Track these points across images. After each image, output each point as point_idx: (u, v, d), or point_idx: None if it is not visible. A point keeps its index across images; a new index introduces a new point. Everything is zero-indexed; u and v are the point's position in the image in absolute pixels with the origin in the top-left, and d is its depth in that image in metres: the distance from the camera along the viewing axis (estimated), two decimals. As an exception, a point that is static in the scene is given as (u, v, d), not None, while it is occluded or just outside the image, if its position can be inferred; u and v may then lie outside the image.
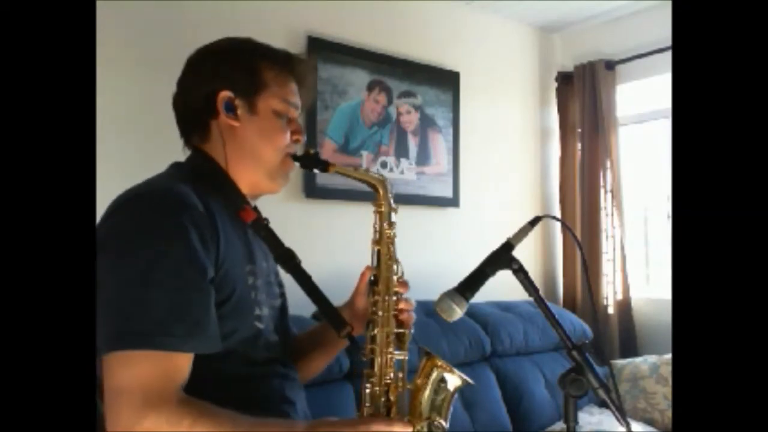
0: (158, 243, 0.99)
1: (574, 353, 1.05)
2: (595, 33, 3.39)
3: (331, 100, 2.62)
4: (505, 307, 2.82)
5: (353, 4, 2.74)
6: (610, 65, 3.24)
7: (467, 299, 1.13)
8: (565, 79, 3.45)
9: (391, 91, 2.82)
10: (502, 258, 1.14)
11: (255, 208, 1.18)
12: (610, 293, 3.19)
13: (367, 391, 1.14)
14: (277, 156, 1.17)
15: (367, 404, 1.13)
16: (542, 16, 3.34)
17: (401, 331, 1.18)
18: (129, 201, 1.05)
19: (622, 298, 3.18)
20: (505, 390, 2.56)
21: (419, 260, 2.64)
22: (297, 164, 1.20)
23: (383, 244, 1.20)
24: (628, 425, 1.03)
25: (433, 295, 1.16)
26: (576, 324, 2.90)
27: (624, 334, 3.16)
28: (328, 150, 2.60)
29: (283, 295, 1.27)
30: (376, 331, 1.16)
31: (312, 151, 1.21)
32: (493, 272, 1.14)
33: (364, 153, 2.72)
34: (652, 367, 2.70)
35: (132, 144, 2.12)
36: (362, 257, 1.23)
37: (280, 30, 2.49)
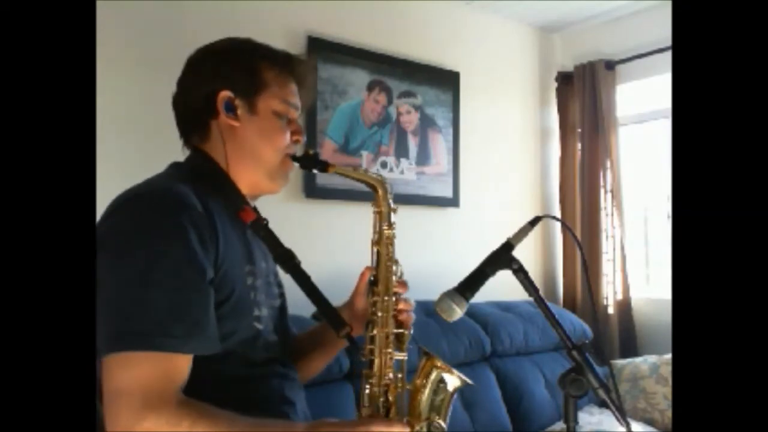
0: (157, 243, 0.99)
1: (574, 353, 1.05)
2: (595, 33, 3.39)
3: (331, 100, 2.62)
4: (505, 307, 2.82)
5: (353, 4, 2.74)
6: (610, 65, 3.24)
7: (467, 299, 1.13)
8: (565, 79, 3.45)
9: (391, 91, 2.82)
10: (502, 258, 1.14)
11: (254, 209, 1.18)
12: (610, 293, 3.19)
13: (366, 391, 1.13)
14: (276, 156, 1.17)
15: (366, 405, 1.13)
16: (542, 16, 3.34)
17: (400, 331, 1.18)
18: (128, 201, 1.05)
19: (622, 298, 3.18)
20: (505, 390, 2.56)
21: (419, 260, 2.65)
22: (296, 164, 1.20)
23: (382, 244, 1.20)
24: (628, 425, 1.03)
25: (433, 295, 1.16)
26: (576, 324, 2.90)
27: (624, 334, 3.16)
28: (328, 150, 2.60)
29: (282, 295, 1.27)
30: (375, 332, 1.16)
31: (311, 152, 1.21)
32: (493, 272, 1.14)
33: (364, 153, 2.72)
34: (652, 367, 2.70)
35: (132, 144, 2.12)
36: (362, 257, 1.23)
37: (279, 30, 2.49)
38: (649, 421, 2.62)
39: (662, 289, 3.24)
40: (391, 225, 1.21)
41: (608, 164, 3.21)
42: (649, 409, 2.64)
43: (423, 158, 2.92)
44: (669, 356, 2.73)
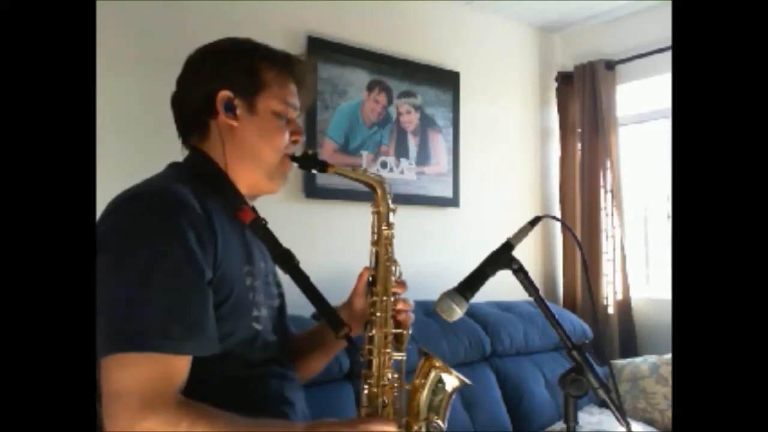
0: (155, 244, 0.98)
1: (574, 353, 1.05)
2: (595, 33, 3.39)
3: (331, 100, 2.62)
4: (505, 307, 2.82)
5: (353, 4, 2.74)
6: (610, 65, 3.24)
7: (467, 299, 1.13)
8: (565, 79, 3.45)
9: (391, 91, 2.82)
10: (502, 258, 1.14)
11: (253, 209, 1.18)
12: (610, 293, 3.19)
13: (365, 391, 1.14)
14: (275, 156, 1.17)
15: (365, 405, 1.13)
16: (542, 16, 3.34)
17: (399, 331, 1.18)
18: (126, 201, 1.05)
19: (622, 298, 3.18)
20: (505, 390, 2.56)
21: (419, 260, 2.65)
22: (295, 165, 1.20)
23: (381, 244, 1.20)
24: (628, 425, 1.03)
25: (433, 295, 1.16)
26: (576, 324, 2.90)
27: (624, 334, 3.15)
28: (328, 150, 2.60)
29: (281, 295, 1.27)
30: (374, 332, 1.16)
31: (310, 152, 1.21)
32: (493, 272, 1.14)
33: (364, 153, 2.72)
34: (652, 367, 2.70)
35: (132, 144, 2.12)
36: (362, 257, 1.23)
37: (279, 30, 2.49)
38: (649, 421, 2.62)
39: (662, 289, 3.24)
40: (389, 225, 1.21)
41: (608, 164, 3.21)
42: (649, 409, 2.64)
43: (423, 158, 2.92)
44: (669, 356, 2.73)
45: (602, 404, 2.60)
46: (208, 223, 1.04)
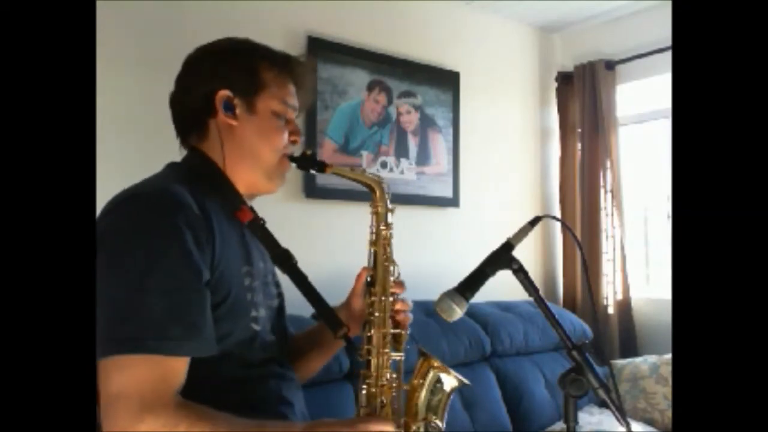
0: (152, 244, 0.98)
1: (574, 353, 1.05)
2: (595, 33, 3.39)
3: (331, 100, 2.62)
4: (505, 307, 2.82)
5: (353, 4, 2.74)
6: (610, 65, 3.24)
7: (467, 299, 1.13)
8: (565, 79, 3.45)
9: (391, 91, 2.82)
10: (502, 258, 1.14)
11: (251, 208, 1.18)
12: (610, 293, 3.19)
13: (364, 391, 1.14)
14: (274, 156, 1.17)
15: (364, 405, 1.13)
16: (542, 16, 3.34)
17: (398, 331, 1.18)
18: (124, 201, 1.04)
19: (622, 298, 3.18)
20: (505, 390, 2.56)
21: (419, 260, 2.65)
22: (294, 165, 1.20)
23: (380, 245, 1.20)
24: (628, 425, 1.03)
25: (433, 295, 1.16)
26: (576, 324, 2.90)
27: (624, 334, 3.15)
28: (328, 150, 2.60)
29: (280, 295, 1.27)
30: (372, 332, 1.16)
31: (309, 152, 1.21)
32: (493, 272, 1.14)
33: (364, 153, 2.72)
34: (652, 367, 2.70)
35: (132, 144, 2.12)
36: (362, 257, 1.23)
37: (279, 30, 2.49)
38: (649, 421, 2.62)
39: (662, 289, 3.24)
40: (388, 225, 1.21)
41: (608, 164, 3.21)
42: (649, 409, 2.64)
43: (423, 158, 2.92)
44: (669, 356, 2.73)
45: (602, 404, 2.60)
46: (206, 224, 1.04)
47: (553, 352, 2.83)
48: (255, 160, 1.16)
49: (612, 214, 3.20)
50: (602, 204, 3.23)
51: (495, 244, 1.16)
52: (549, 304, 1.13)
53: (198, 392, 0.99)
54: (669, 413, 2.58)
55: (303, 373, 1.31)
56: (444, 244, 2.96)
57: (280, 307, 1.26)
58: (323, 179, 2.52)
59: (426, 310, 2.33)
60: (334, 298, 1.25)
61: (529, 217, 1.16)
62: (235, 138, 1.15)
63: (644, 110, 3.34)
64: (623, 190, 3.23)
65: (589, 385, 1.03)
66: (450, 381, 1.18)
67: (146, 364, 0.94)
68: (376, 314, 1.16)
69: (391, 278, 1.20)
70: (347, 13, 2.72)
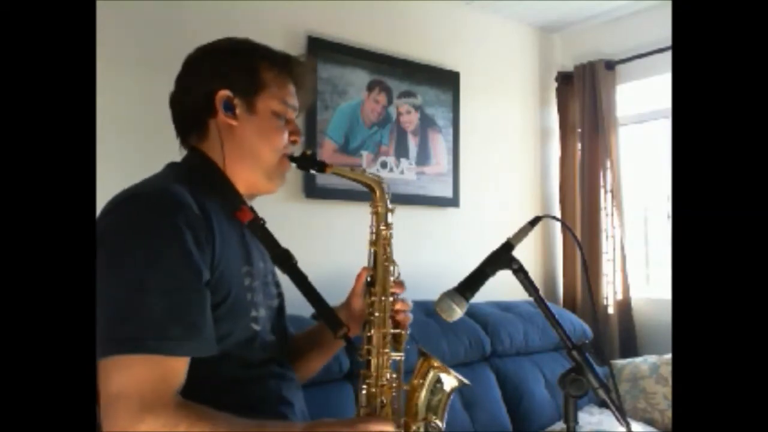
0: (152, 245, 0.98)
1: (574, 353, 1.05)
2: (595, 33, 3.39)
3: (331, 100, 2.62)
4: (505, 307, 2.82)
5: (353, 4, 2.74)
6: (610, 65, 3.24)
7: (467, 299, 1.13)
8: (565, 79, 3.45)
9: (391, 91, 2.82)
10: (502, 258, 1.14)
11: (251, 208, 1.18)
12: (610, 293, 3.19)
13: (364, 391, 1.14)
14: (274, 156, 1.17)
15: (364, 405, 1.13)
16: (542, 16, 3.34)
17: (397, 331, 1.18)
18: (124, 201, 1.04)
19: (622, 298, 3.18)
20: (505, 390, 2.56)
21: (419, 260, 2.65)
22: (294, 165, 1.20)
23: (380, 245, 1.21)
24: (628, 425, 1.03)
25: (433, 295, 1.16)
26: (576, 324, 2.90)
27: (624, 334, 3.15)
28: (328, 150, 2.60)
29: (280, 295, 1.27)
30: (372, 332, 1.16)
31: (309, 152, 1.21)
32: (493, 272, 1.14)
33: (364, 153, 2.72)
34: (652, 367, 2.70)
35: (132, 144, 2.12)
36: (362, 257, 1.23)
37: (279, 30, 2.49)
38: (649, 421, 2.62)
39: (662, 289, 3.24)
40: (388, 225, 1.21)
41: (608, 164, 3.21)
42: (649, 409, 2.64)
43: (423, 158, 2.92)
44: (669, 356, 2.73)
45: (602, 404, 2.60)
46: (206, 224, 1.04)
47: (553, 352, 2.83)
48: (255, 160, 1.16)
49: (612, 214, 3.20)
50: (602, 204, 3.23)
51: (495, 244, 1.16)
52: (549, 304, 1.13)
53: (198, 392, 0.99)
54: (669, 413, 2.58)
55: (303, 373, 1.31)
56: (444, 244, 2.96)
57: (280, 307, 1.26)
58: (323, 179, 2.52)
59: (426, 310, 2.33)
60: (334, 298, 1.25)
61: (529, 217, 1.16)
62: (235, 138, 1.15)
63: (644, 110, 3.34)
64: (623, 190, 3.23)
65: (589, 385, 1.03)
66: (450, 381, 1.18)
67: (146, 364, 0.94)
68: (376, 314, 1.16)
69: (391, 278, 1.20)
70: (347, 13, 2.72)
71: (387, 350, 1.15)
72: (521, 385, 2.60)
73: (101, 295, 0.94)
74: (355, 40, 2.71)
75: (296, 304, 1.32)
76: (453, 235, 3.01)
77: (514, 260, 1.13)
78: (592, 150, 3.27)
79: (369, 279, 1.21)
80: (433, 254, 2.86)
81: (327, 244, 2.56)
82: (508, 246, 1.14)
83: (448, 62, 3.04)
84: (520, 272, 1.12)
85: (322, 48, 2.59)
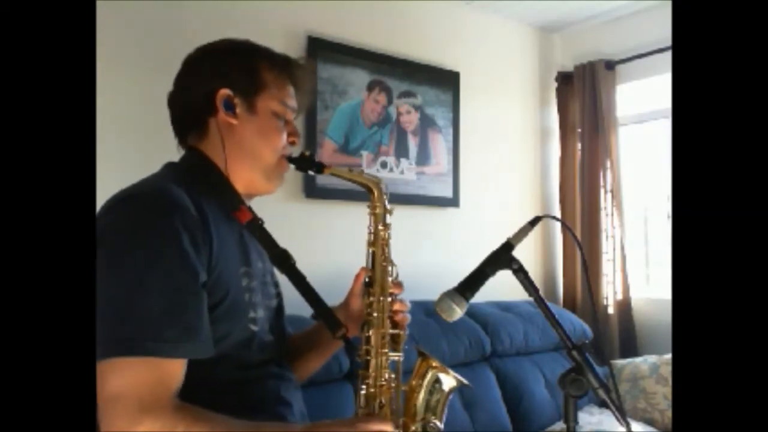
0: (149, 246, 0.98)
1: (574, 353, 1.05)
2: (595, 33, 3.39)
3: (331, 100, 2.62)
4: (505, 307, 2.82)
5: (353, 4, 2.74)
6: (610, 65, 3.24)
7: (467, 299, 1.13)
8: (565, 79, 3.45)
9: (391, 91, 2.82)
10: (502, 258, 1.14)
11: (249, 209, 1.17)
12: (610, 293, 3.19)
13: (363, 392, 1.14)
14: (274, 156, 1.17)
15: (363, 405, 1.13)
16: (542, 16, 3.34)
17: (396, 332, 1.18)
18: (121, 202, 1.04)
19: (622, 298, 3.18)
20: (505, 390, 2.56)
21: (419, 260, 2.65)
22: (292, 166, 1.20)
23: (378, 245, 1.21)
24: (628, 425, 1.03)
25: (433, 295, 1.16)
26: (576, 324, 2.90)
27: (624, 334, 3.15)
28: (328, 150, 2.60)
29: (279, 295, 1.27)
30: (371, 333, 1.16)
31: (307, 153, 1.21)
32: (493, 272, 1.14)
33: (364, 153, 2.72)
34: (652, 367, 2.70)
35: (132, 144, 2.12)
36: (361, 257, 1.23)
37: (279, 30, 2.49)
38: (649, 421, 2.62)
39: (662, 289, 3.23)
40: (386, 226, 1.21)
41: (608, 164, 3.21)
42: (649, 409, 2.64)
43: (423, 158, 2.92)
44: (669, 356, 2.73)
45: (602, 404, 2.60)
46: (203, 225, 1.04)
47: (553, 352, 2.83)
48: (255, 159, 1.16)
49: (612, 214, 3.20)
50: (602, 204, 3.23)
51: (495, 244, 1.16)
52: (549, 304, 1.13)
53: (196, 394, 0.99)
54: (669, 413, 2.58)
55: (301, 373, 1.31)
56: (444, 244, 2.96)
57: (279, 308, 1.26)
58: (323, 179, 2.52)
59: (426, 310, 2.33)
60: (333, 298, 1.25)
61: (529, 217, 1.16)
62: (235, 137, 1.15)
63: (644, 110, 3.34)
64: (623, 190, 3.23)
65: (589, 385, 1.03)
66: (449, 381, 1.18)
67: (143, 367, 0.94)
68: (375, 314, 1.16)
69: (390, 279, 1.20)
70: (347, 13, 2.72)
71: (385, 350, 1.15)
72: (521, 385, 2.60)
73: (100, 295, 0.94)
74: (355, 40, 2.71)
75: (295, 305, 1.32)
76: (453, 235, 3.01)
77: (514, 260, 1.13)
78: (592, 150, 3.27)
79: (367, 279, 1.21)
80: (433, 254, 2.86)
81: (327, 244, 2.56)
82: (508, 246, 1.14)
83: (448, 62, 3.04)
84: (520, 272, 1.12)
85: (322, 48, 2.59)
